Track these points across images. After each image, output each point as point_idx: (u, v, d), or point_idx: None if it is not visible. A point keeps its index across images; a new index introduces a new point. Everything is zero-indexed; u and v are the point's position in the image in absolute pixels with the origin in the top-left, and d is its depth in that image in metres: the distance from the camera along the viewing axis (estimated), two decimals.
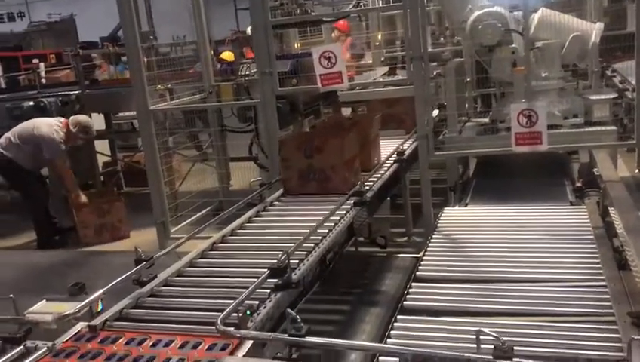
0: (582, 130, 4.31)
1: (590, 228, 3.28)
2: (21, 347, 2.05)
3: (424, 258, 3.19)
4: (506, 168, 4.86)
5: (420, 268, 3.33)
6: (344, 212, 3.17)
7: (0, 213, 7.11)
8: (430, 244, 3.34)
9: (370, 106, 5.64)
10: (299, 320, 1.78)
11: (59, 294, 2.59)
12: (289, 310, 1.82)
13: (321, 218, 2.89)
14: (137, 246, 2.60)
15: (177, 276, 2.61)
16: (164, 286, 2.52)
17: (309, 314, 2.86)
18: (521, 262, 2.93)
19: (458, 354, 1.65)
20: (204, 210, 5.20)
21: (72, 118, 6.11)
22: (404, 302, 2.97)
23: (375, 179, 3.82)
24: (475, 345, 1.71)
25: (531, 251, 3.03)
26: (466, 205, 4.18)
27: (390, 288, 3.12)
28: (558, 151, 5.00)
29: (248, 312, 2.03)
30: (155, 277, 2.53)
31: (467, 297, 2.71)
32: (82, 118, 6.16)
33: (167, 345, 1.97)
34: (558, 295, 2.56)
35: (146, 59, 5.59)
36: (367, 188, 3.50)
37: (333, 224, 3.01)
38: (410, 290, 3.10)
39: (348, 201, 3.28)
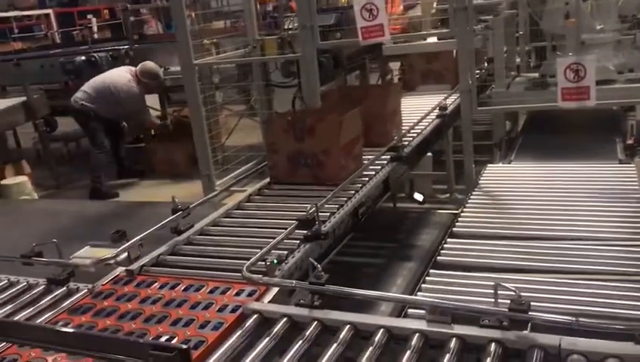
0: (637, 85, 4.13)
1: (637, 187, 3.16)
2: (64, 288, 2.19)
3: (462, 214, 3.16)
4: (556, 125, 4.71)
5: (456, 224, 3.31)
6: (379, 167, 3.17)
7: (57, 164, 7.43)
8: (469, 201, 3.30)
9: (415, 60, 5.53)
10: (319, 268, 1.82)
11: (103, 241, 2.74)
12: (311, 259, 1.87)
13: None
14: (184, 197, 2.69)
15: (213, 225, 2.69)
16: (199, 234, 2.61)
17: (343, 265, 2.92)
18: (561, 220, 2.87)
19: (474, 306, 1.65)
20: (249, 164, 5.28)
21: (139, 66, 6.39)
22: (438, 257, 2.97)
23: (415, 135, 3.77)
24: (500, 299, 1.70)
25: (573, 209, 2.96)
26: (510, 162, 4.10)
27: (426, 243, 3.12)
28: (612, 107, 4.81)
29: (276, 261, 2.09)
30: (192, 226, 2.62)
31: (502, 254, 2.68)
32: (149, 64, 6.44)
33: (197, 289, 2.05)
34: (596, 253, 2.50)
35: (193, 14, 5.64)
36: (406, 143, 3.47)
37: (367, 178, 3.02)
38: (445, 246, 3.09)
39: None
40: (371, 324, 1.72)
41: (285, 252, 2.26)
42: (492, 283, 2.39)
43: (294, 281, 1.88)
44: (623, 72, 4.23)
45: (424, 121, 4.00)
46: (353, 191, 2.85)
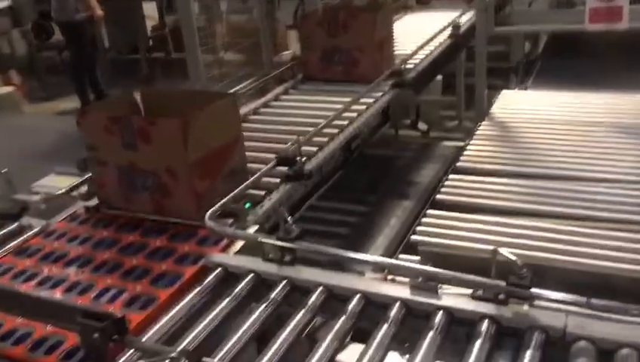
0: None
1: None
2: (15, 224, 1.97)
3: (468, 147, 2.89)
4: (581, 48, 4.31)
5: (461, 158, 3.04)
6: (380, 93, 2.85)
7: (49, 74, 7.13)
8: (478, 131, 3.02)
9: None
10: (290, 221, 1.56)
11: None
12: (281, 208, 1.61)
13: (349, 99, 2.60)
14: None
15: None
16: None
17: (334, 202, 2.68)
18: (580, 157, 2.58)
19: (466, 277, 1.40)
20: (246, 82, 4.95)
21: None
22: (437, 196, 2.72)
23: (422, 57, 3.41)
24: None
25: (594, 146, 2.66)
26: (526, 88, 3.76)
27: (426, 179, 2.86)
28: None
29: (248, 205, 1.84)
30: None
31: (509, 194, 2.43)
32: None
33: (159, 233, 1.82)
34: (613, 198, 2.23)
35: None
36: (411, 66, 3.13)
37: (365, 107, 2.71)
38: (446, 183, 2.83)
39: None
40: (347, 288, 1.48)
41: (263, 193, 2.01)
42: (492, 228, 2.17)
43: (260, 235, 1.63)
44: None
45: (434, 41, 3.63)
46: (346, 122, 2.56)
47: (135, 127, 1.85)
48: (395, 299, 1.42)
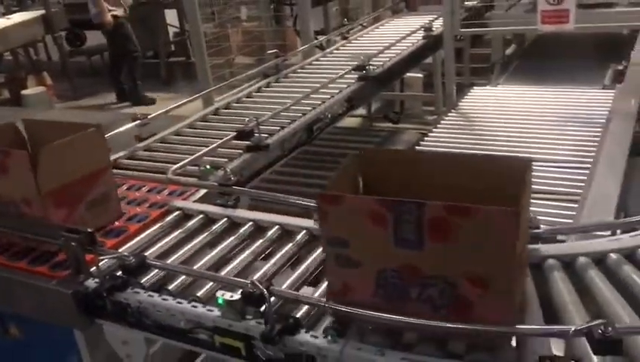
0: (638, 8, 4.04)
1: (605, 113, 3.18)
2: None
3: (430, 134, 3.28)
4: (559, 49, 4.66)
5: (421, 143, 3.43)
6: (345, 85, 3.28)
7: (79, 77, 7.77)
8: (442, 121, 3.41)
9: None
10: (229, 172, 2.01)
11: None
12: (226, 165, 2.06)
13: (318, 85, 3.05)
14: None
15: (175, 135, 2.89)
16: (160, 142, 2.82)
17: (293, 177, 3.10)
18: (522, 142, 2.93)
19: None
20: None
21: None
22: None
23: (393, 55, 3.83)
24: None
25: (537, 132, 3.01)
26: (497, 85, 4.13)
27: None
28: (622, 32, 4.70)
29: (208, 167, 2.28)
30: (154, 134, 2.83)
31: None
32: None
33: (137, 189, 2.29)
34: (542, 174, 2.56)
35: None
36: (380, 63, 3.53)
37: (329, 96, 3.14)
38: None
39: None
40: (268, 221, 1.93)
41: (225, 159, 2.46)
42: None
43: (206, 182, 2.09)
44: None
45: (406, 41, 4.04)
46: (310, 108, 2.99)
47: None
48: (302, 228, 1.86)
